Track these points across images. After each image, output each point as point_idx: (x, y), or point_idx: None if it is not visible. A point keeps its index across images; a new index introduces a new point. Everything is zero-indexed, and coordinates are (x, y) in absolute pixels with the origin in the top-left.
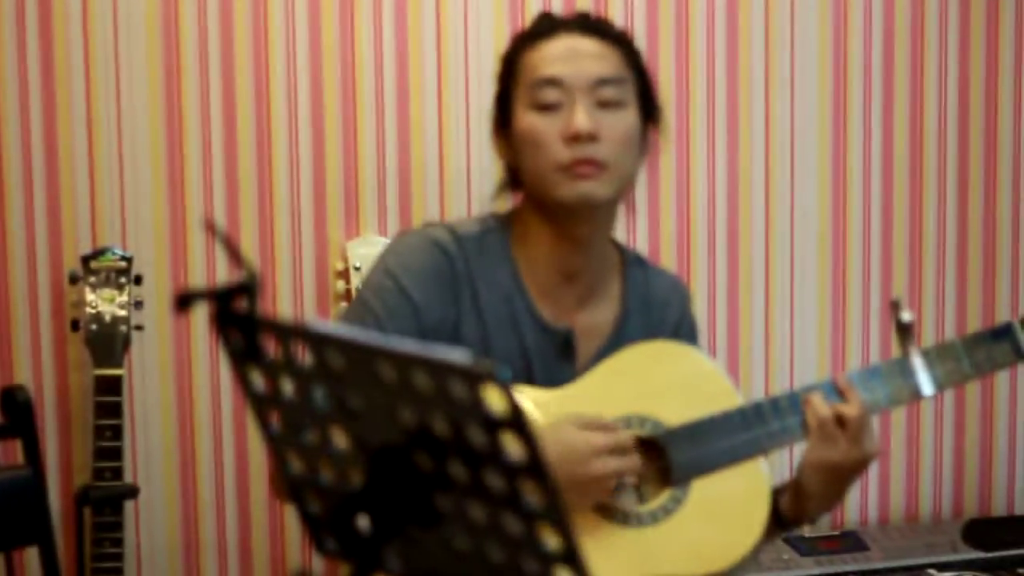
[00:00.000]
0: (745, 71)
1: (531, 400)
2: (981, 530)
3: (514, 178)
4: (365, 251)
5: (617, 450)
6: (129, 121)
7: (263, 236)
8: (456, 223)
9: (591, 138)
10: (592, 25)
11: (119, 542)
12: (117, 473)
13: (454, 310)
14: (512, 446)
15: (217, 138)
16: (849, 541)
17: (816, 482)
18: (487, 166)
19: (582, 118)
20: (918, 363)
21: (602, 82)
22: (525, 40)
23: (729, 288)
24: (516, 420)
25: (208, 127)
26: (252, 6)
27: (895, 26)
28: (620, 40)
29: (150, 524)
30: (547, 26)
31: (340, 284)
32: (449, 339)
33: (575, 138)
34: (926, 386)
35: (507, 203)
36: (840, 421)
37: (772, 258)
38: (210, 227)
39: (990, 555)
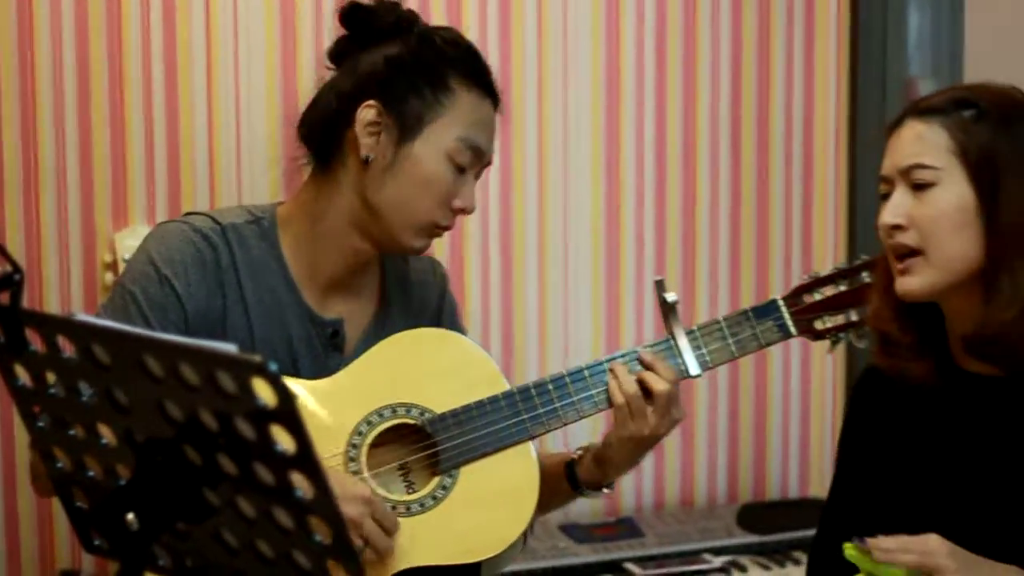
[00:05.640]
0: (518, 64)
1: (296, 391)
2: (755, 514)
3: (328, 156)
4: (134, 242)
5: (380, 519)
6: None
7: (28, 227)
8: (219, 213)
9: None
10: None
11: None
12: None
13: (220, 300)
14: (282, 438)
15: None
16: (624, 527)
17: (622, 453)
18: (257, 156)
19: (473, 199)
20: (684, 343)
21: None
22: (468, 70)
23: (503, 277)
24: (285, 411)
25: None
26: None
27: (667, 17)
28: None
29: None
30: (488, 81)
31: (108, 276)
32: (215, 329)
33: (461, 212)
34: (693, 366)
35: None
36: (649, 395)
37: (546, 247)
38: None
39: (764, 539)
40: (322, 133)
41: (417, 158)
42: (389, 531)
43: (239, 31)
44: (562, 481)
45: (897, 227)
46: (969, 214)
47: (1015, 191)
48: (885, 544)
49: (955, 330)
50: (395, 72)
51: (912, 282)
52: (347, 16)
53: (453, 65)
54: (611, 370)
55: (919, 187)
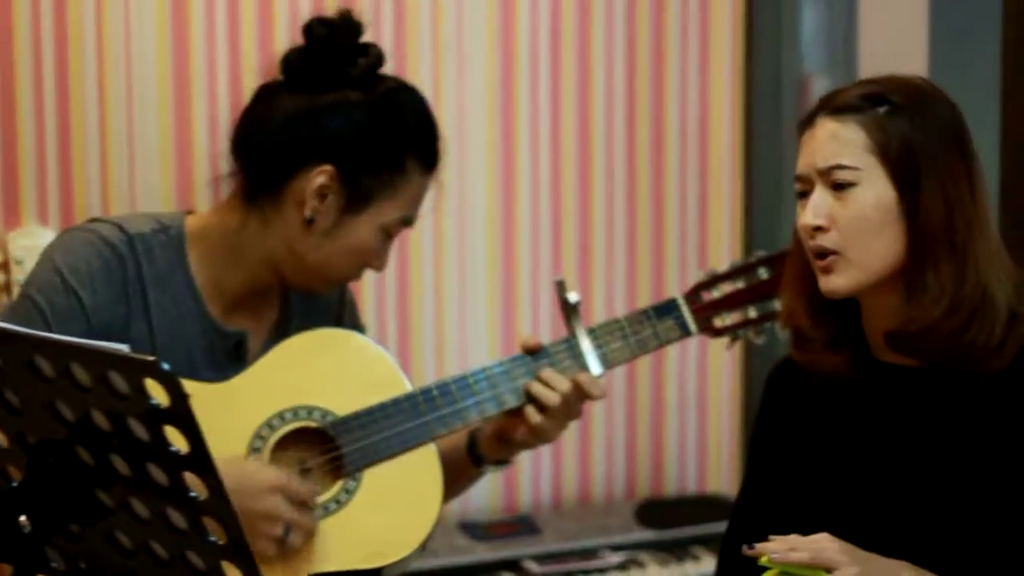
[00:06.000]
0: (413, 63)
1: (193, 393)
2: (653, 510)
3: (263, 192)
4: (26, 242)
5: (296, 498)
6: None
7: None
8: (125, 221)
9: None
10: None
11: None
12: None
13: (123, 310)
14: (176, 438)
15: None
16: (522, 525)
17: (529, 443)
18: (150, 154)
19: (387, 261)
20: (585, 343)
21: None
22: (425, 151)
23: (399, 279)
24: (179, 412)
25: None
26: None
27: (561, 16)
28: None
29: None
30: (438, 156)
31: (0, 276)
32: (118, 340)
33: (372, 269)
34: (594, 366)
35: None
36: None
37: (441, 247)
38: None
39: (663, 535)
40: (264, 168)
41: (356, 229)
42: (308, 504)
43: (130, 30)
44: (465, 460)
45: (819, 228)
46: (891, 213)
47: (935, 186)
48: (773, 547)
49: (874, 324)
50: (356, 144)
51: (837, 280)
52: (313, 36)
53: (412, 146)
54: (540, 377)
55: (839, 187)
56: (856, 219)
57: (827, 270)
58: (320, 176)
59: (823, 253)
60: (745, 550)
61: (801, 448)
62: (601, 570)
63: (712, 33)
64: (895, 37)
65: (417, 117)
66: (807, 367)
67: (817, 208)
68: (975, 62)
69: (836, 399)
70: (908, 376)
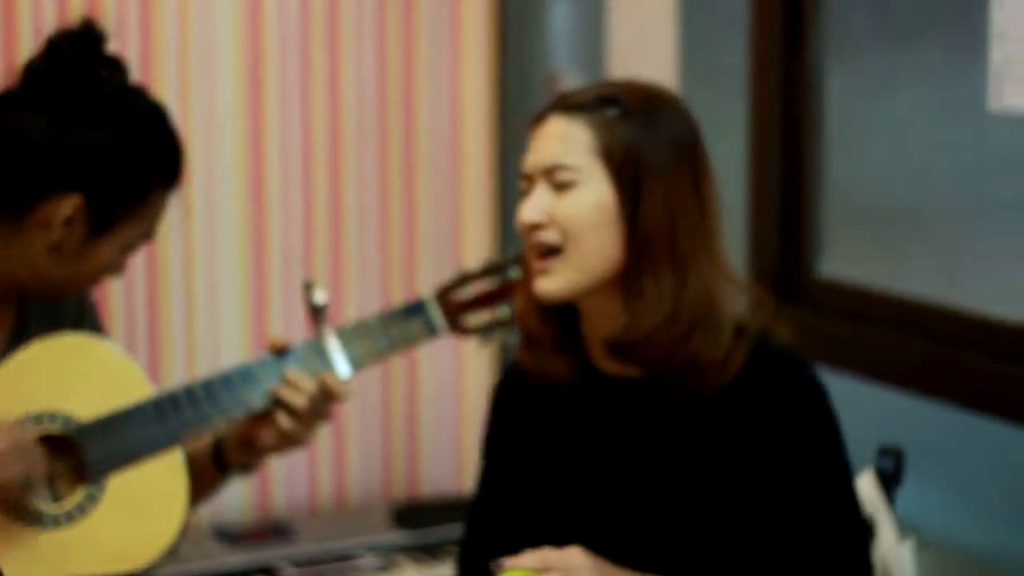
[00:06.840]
0: (159, 63)
1: None
2: (410, 512)
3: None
4: None
5: (17, 451)
6: None
7: None
8: None
9: None
10: None
11: None
12: None
13: None
14: None
15: None
16: (277, 530)
17: (278, 448)
18: None
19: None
20: (333, 345)
21: None
22: (169, 175)
23: (147, 281)
24: None
25: None
26: None
27: (312, 13)
28: None
29: None
30: (181, 173)
31: None
32: None
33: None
34: (342, 367)
35: None
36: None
37: (191, 249)
38: None
39: (420, 536)
40: (5, 190)
41: (100, 252)
42: (28, 451)
43: None
44: (210, 467)
45: (537, 226)
46: (610, 214)
47: (657, 193)
48: (525, 563)
49: (594, 331)
50: (104, 175)
51: (551, 283)
52: (59, 53)
53: (159, 173)
54: (286, 379)
55: (560, 186)
56: (574, 216)
57: (544, 271)
58: (67, 206)
59: (544, 251)
60: (494, 568)
61: (526, 454)
62: (358, 573)
63: (463, 32)
64: (644, 36)
65: (163, 142)
66: (532, 370)
67: (535, 205)
68: (722, 63)
69: (558, 407)
70: (626, 387)
